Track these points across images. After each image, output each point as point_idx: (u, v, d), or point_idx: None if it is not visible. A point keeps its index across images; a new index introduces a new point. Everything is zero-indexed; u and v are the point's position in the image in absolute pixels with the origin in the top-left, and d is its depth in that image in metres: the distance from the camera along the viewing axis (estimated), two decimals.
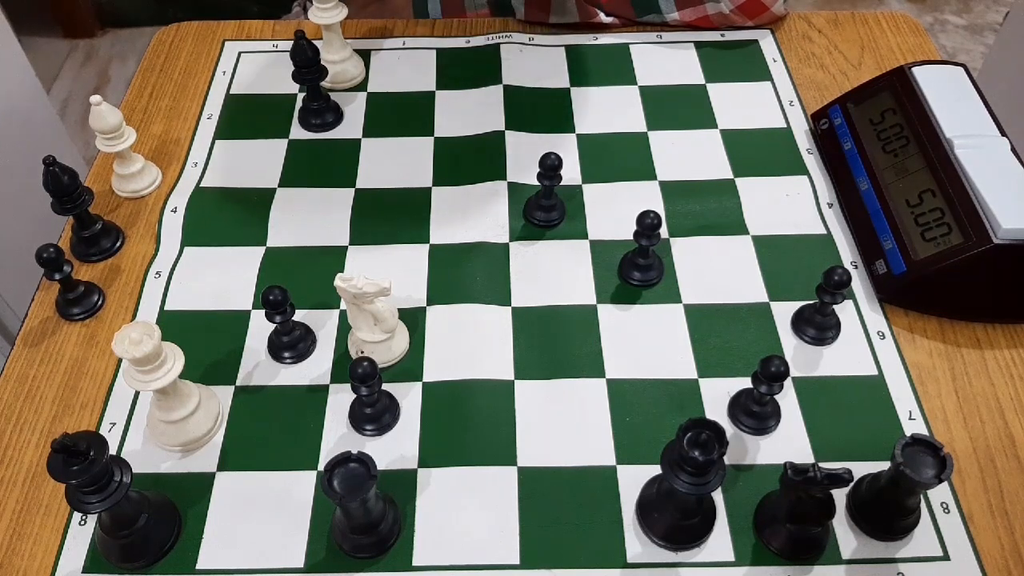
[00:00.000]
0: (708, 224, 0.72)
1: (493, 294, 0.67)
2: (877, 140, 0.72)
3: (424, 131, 0.80)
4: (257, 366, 0.63)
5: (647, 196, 0.74)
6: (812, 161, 0.77)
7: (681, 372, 0.62)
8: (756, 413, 0.59)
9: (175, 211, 0.73)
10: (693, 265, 0.69)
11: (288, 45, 0.83)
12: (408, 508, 0.55)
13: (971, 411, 0.60)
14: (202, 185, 0.76)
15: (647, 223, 0.63)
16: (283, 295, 0.59)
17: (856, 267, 0.69)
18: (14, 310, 1.24)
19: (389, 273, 0.60)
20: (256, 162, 0.78)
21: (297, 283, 0.64)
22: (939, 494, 0.56)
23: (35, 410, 0.61)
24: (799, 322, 0.65)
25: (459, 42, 0.89)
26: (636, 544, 0.54)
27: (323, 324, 0.65)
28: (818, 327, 0.64)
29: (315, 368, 0.63)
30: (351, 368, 0.55)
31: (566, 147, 0.78)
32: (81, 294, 0.66)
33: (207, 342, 0.64)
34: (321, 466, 0.57)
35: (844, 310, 0.66)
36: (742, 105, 0.82)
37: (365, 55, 0.88)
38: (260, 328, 0.64)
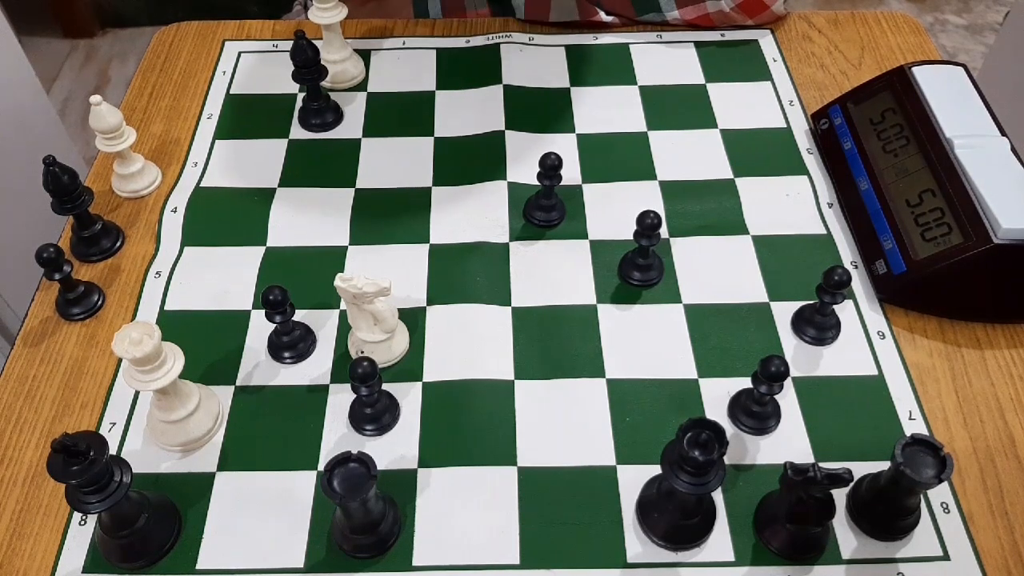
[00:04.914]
0: (708, 224, 0.72)
1: (493, 294, 0.67)
2: (877, 140, 0.72)
3: (424, 131, 0.80)
4: (257, 366, 0.63)
5: (647, 196, 0.74)
6: (812, 161, 0.77)
7: (681, 372, 0.62)
8: (756, 413, 0.59)
9: (175, 211, 0.73)
10: (693, 265, 0.69)
11: (288, 45, 0.83)
12: (408, 508, 0.55)
13: (971, 411, 0.60)
14: (202, 185, 0.76)
15: (647, 223, 0.63)
16: (283, 295, 0.59)
17: (856, 267, 0.69)
18: (14, 310, 1.24)
19: (389, 273, 0.60)
20: (256, 162, 0.78)
21: (297, 283, 0.64)
22: (939, 494, 0.56)
23: (35, 410, 0.61)
24: (799, 322, 0.65)
25: (459, 42, 0.89)
26: (636, 544, 0.54)
27: (323, 324, 0.65)
28: (818, 327, 0.64)
29: (315, 368, 0.63)
30: (351, 368, 0.55)
31: (566, 147, 0.78)
32: (81, 294, 0.66)
33: (207, 342, 0.64)
34: (321, 466, 0.57)
35: (844, 310, 0.66)
36: (742, 105, 0.82)
37: (365, 55, 0.88)
38: (260, 328, 0.64)
